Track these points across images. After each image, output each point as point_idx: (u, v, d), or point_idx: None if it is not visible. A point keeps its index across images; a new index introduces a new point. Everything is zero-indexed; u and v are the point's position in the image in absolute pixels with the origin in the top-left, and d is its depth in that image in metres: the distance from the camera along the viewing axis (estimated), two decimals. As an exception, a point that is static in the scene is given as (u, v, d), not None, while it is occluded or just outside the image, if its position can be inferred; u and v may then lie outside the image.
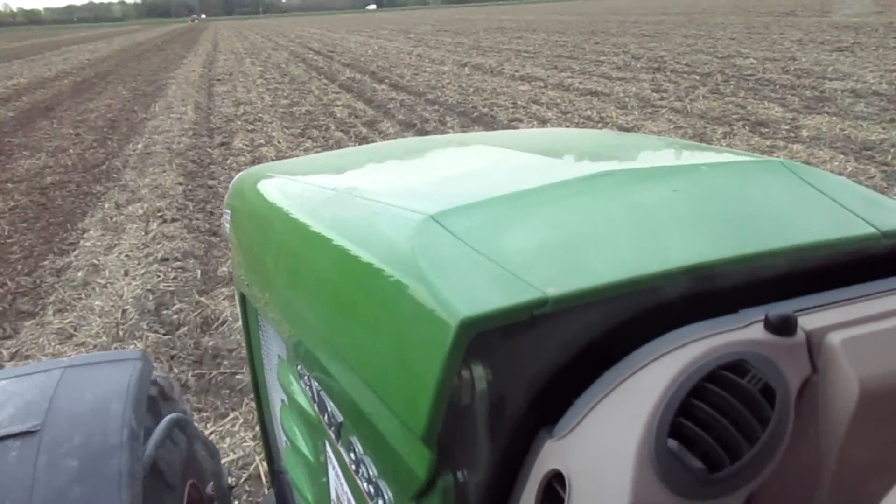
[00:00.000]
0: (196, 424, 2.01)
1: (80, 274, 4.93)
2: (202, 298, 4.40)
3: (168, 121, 11.26)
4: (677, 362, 0.58)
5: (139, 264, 5.04)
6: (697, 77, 12.51)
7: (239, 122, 10.70)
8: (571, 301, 0.62)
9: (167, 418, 1.47)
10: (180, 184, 7.32)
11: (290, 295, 1.08)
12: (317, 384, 0.99)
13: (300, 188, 1.25)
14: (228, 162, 8.20)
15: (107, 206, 6.65)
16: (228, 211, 1.53)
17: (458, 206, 0.84)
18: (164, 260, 5.09)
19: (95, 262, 5.15)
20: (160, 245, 5.39)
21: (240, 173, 1.58)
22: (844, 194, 0.87)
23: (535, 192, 0.89)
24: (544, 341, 0.66)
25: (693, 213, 0.82)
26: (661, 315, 0.67)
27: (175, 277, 4.78)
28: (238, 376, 3.49)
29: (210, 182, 7.40)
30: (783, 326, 0.60)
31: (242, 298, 1.52)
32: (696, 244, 0.73)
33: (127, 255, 5.22)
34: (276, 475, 1.68)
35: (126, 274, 4.87)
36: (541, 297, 0.62)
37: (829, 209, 0.83)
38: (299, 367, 1.08)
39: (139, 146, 9.45)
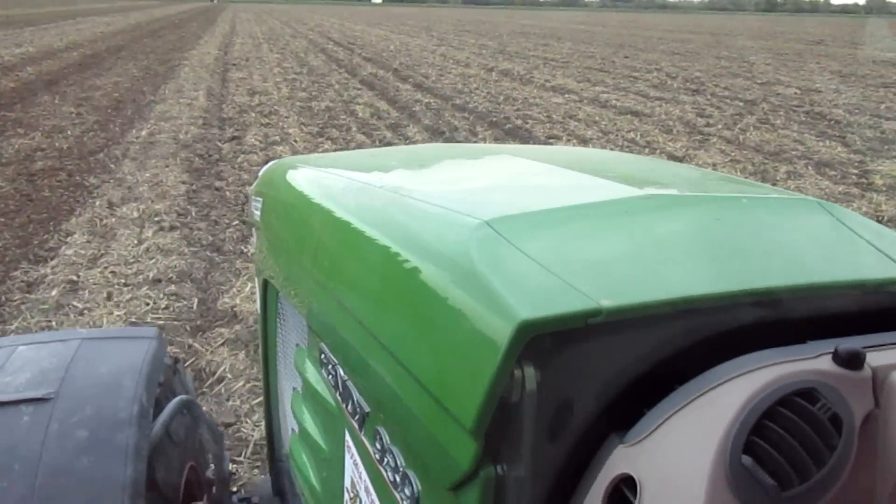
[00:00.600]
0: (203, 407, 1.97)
1: (54, 293, 4.10)
2: (195, 343, 3.57)
3: (177, 106, 10.42)
4: (752, 384, 0.61)
5: (126, 285, 4.22)
6: (741, 103, 11.70)
7: (253, 114, 9.87)
8: (625, 314, 0.66)
9: (176, 399, 1.46)
10: (184, 182, 6.49)
11: (327, 286, 1.07)
12: (342, 373, 1.02)
13: (343, 182, 1.27)
14: (239, 160, 7.37)
15: (98, 203, 5.82)
16: (259, 199, 1.53)
17: (512, 213, 0.88)
18: (157, 282, 4.27)
19: (75, 277, 4.32)
20: (153, 261, 4.57)
21: (271, 162, 1.60)
22: (878, 237, 0.91)
23: (584, 207, 0.94)
24: (603, 351, 0.69)
25: (738, 241, 0.86)
26: (722, 338, 0.72)
27: (167, 307, 3.96)
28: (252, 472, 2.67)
29: (217, 183, 6.57)
30: (852, 360, 0.62)
31: (264, 285, 1.52)
32: (746, 271, 0.77)
33: (112, 272, 4.40)
34: (275, 462, 1.70)
35: (109, 298, 4.05)
36: (596, 308, 0.64)
37: (868, 250, 0.87)
38: (322, 355, 1.11)
39: (143, 133, 8.62)
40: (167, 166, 7.04)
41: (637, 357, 0.71)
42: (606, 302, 0.65)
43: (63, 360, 1.36)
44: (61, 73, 14.20)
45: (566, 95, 12.38)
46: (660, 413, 0.65)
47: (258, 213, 1.53)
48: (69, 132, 8.66)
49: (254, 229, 1.70)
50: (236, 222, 5.50)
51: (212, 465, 1.73)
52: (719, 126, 9.71)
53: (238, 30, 27.61)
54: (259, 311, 1.62)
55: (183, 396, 1.50)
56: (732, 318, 0.73)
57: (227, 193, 6.26)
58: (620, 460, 0.65)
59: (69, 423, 1.23)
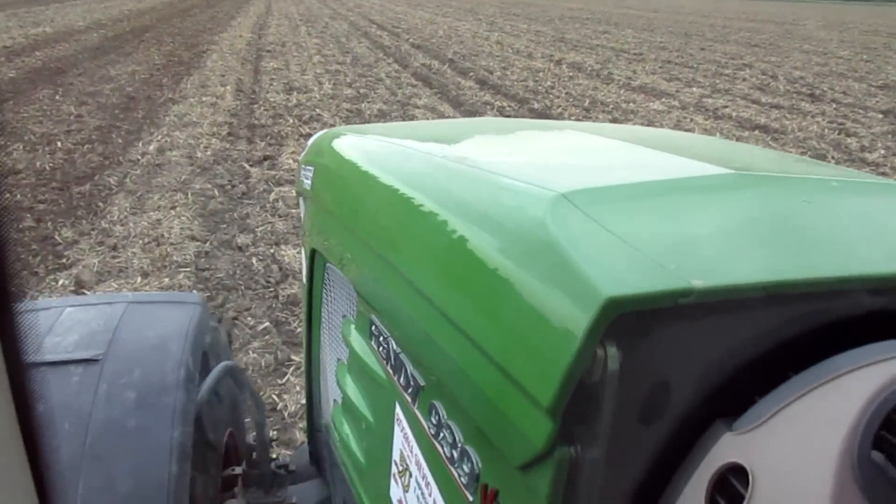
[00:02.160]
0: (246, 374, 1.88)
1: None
2: None
3: (199, 107, 8.40)
4: (882, 375, 0.56)
5: None
6: (879, 115, 9.39)
7: (290, 120, 7.83)
8: (718, 295, 0.62)
9: (221, 364, 1.46)
10: (193, 237, 4.50)
11: (386, 257, 1.02)
12: (395, 345, 0.99)
13: (402, 151, 1.23)
14: (272, 197, 5.34)
15: (62, 284, 3.83)
16: (310, 167, 1.48)
17: (590, 186, 0.84)
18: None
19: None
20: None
21: (321, 132, 1.58)
22: None
23: (667, 183, 0.89)
24: (697, 334, 0.65)
25: (834, 225, 0.80)
26: (839, 326, 0.67)
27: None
28: None
29: (241, 239, 4.54)
30: None
31: (312, 254, 1.47)
32: (846, 256, 0.72)
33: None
34: (314, 432, 1.68)
35: None
36: (687, 287, 0.60)
37: None
38: (373, 327, 1.08)
39: (151, 147, 6.62)
40: (174, 207, 5.03)
41: (739, 343, 0.66)
42: (698, 282, 0.60)
43: (110, 322, 1.37)
44: (73, 59, 12.25)
45: (662, 100, 10.14)
46: (775, 401, 0.61)
47: (308, 181, 1.47)
48: (59, 144, 6.69)
49: (301, 199, 1.63)
50: (268, 328, 3.46)
51: (252, 432, 1.75)
52: (882, 151, 7.46)
53: (273, 9, 25.47)
54: (304, 280, 1.57)
55: (227, 362, 1.49)
56: (843, 306, 0.67)
57: (255, 262, 4.22)
58: (729, 448, 0.61)
59: (118, 385, 1.24)
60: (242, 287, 3.91)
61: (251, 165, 6.18)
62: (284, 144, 6.84)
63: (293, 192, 5.32)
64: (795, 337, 0.67)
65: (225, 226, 4.80)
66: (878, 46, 19.91)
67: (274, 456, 1.83)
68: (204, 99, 8.89)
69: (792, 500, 0.54)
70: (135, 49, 13.84)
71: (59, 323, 1.36)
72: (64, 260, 4.17)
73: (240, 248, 4.42)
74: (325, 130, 1.57)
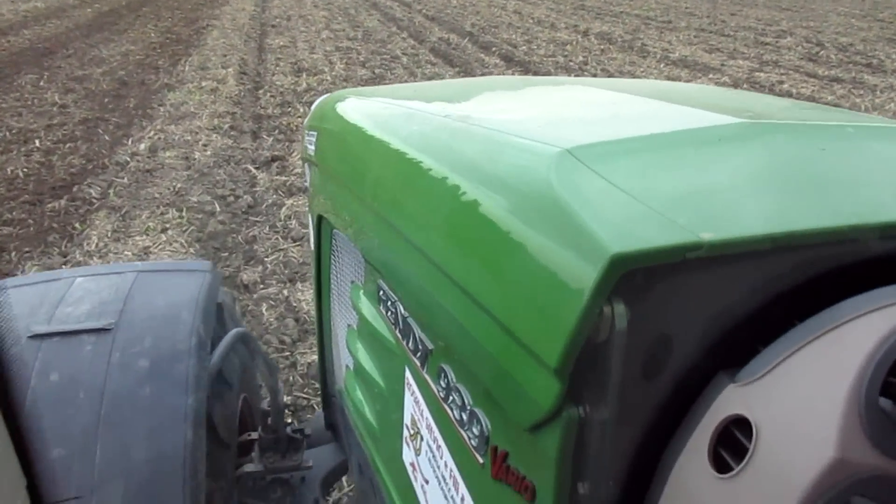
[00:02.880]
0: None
1: None
2: None
3: (197, 94, 7.44)
4: (889, 320, 0.53)
5: None
6: (955, 89, 8.31)
7: (300, 109, 6.86)
8: (727, 248, 0.59)
9: (233, 331, 1.46)
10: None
11: (391, 220, 1.00)
12: (403, 309, 0.98)
13: (405, 112, 1.20)
14: (283, 213, 4.41)
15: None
16: (313, 133, 1.46)
17: (596, 141, 0.81)
18: None
19: None
20: None
21: (323, 96, 1.55)
22: None
23: (674, 134, 0.86)
24: (703, 288, 0.63)
25: (847, 172, 0.77)
26: (841, 273, 0.65)
27: None
28: None
29: (246, 276, 3.63)
30: None
31: (318, 220, 1.45)
32: (860, 203, 0.69)
33: None
34: (329, 398, 1.67)
35: None
36: (695, 241, 0.58)
37: None
38: (381, 292, 1.07)
39: (142, 146, 5.69)
40: (165, 229, 4.11)
41: (743, 293, 0.63)
42: (707, 235, 0.58)
43: (121, 291, 1.37)
44: (63, 38, 11.24)
45: (710, 76, 9.09)
46: (778, 350, 0.58)
47: (312, 147, 1.45)
48: (37, 143, 5.77)
49: (306, 165, 1.60)
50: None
51: (266, 397, 1.78)
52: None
53: (277, -21, 24.22)
54: (312, 247, 1.56)
55: (239, 329, 1.49)
56: (850, 253, 0.65)
57: (264, 311, 3.31)
58: (732, 400, 0.59)
59: (130, 353, 1.24)
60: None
61: (257, 168, 5.24)
62: (294, 140, 5.88)
63: (306, 204, 4.41)
64: (801, 285, 0.64)
65: (226, 255, 3.89)
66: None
67: (289, 421, 1.80)
68: (203, 84, 7.91)
69: (797, 450, 0.52)
70: (130, 26, 12.79)
71: (70, 293, 1.35)
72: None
73: (245, 288, 3.52)
74: (327, 94, 1.51)
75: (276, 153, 5.54)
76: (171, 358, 1.25)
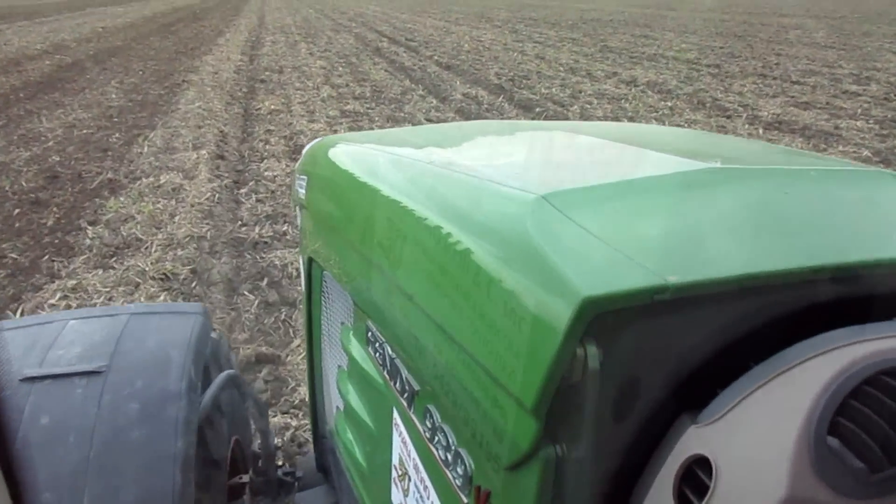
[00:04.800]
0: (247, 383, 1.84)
1: None
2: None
3: (150, 203, 4.96)
4: (837, 362, 0.56)
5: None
6: None
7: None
8: (692, 290, 0.61)
9: (223, 374, 1.46)
10: None
11: (375, 263, 1.02)
12: (390, 351, 0.99)
13: (390, 159, 1.20)
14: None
15: None
16: (304, 177, 1.44)
17: (569, 188, 0.83)
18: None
19: None
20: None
21: (314, 140, 1.53)
22: None
23: (644, 181, 0.88)
24: (670, 329, 0.64)
25: (809, 216, 0.80)
26: (798, 316, 0.66)
27: None
28: None
29: None
30: None
31: (309, 262, 1.45)
32: (819, 246, 0.71)
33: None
34: (320, 439, 1.65)
35: None
36: (661, 284, 0.59)
37: None
38: (370, 333, 1.08)
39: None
40: None
41: (707, 335, 0.65)
42: (673, 278, 0.59)
43: (113, 334, 1.35)
44: (2, 101, 8.78)
45: (838, 147, 6.74)
46: (735, 392, 0.60)
47: (303, 191, 1.43)
48: None
49: (297, 208, 1.56)
50: None
51: (257, 440, 1.76)
52: None
53: (267, 21, 21.95)
54: (303, 289, 1.54)
55: (229, 371, 1.49)
56: (808, 295, 0.66)
57: None
58: (693, 441, 0.60)
59: (121, 396, 1.22)
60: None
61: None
62: (296, 305, 3.44)
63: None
64: (759, 328, 0.65)
65: None
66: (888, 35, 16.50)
67: (280, 463, 1.76)
68: (163, 180, 5.44)
69: (753, 488, 0.53)
70: (90, 83, 10.37)
71: (62, 336, 1.34)
72: None
73: None
74: (318, 139, 1.51)
75: (262, 351, 3.06)
76: (162, 400, 1.23)
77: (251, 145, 6.64)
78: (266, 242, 4.30)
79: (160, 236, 4.30)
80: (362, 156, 1.25)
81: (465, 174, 0.97)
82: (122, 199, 5.05)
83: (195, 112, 8.06)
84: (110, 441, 1.15)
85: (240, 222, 4.64)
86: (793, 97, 9.23)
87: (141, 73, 11.34)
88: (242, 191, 5.28)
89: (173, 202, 4.94)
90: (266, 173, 5.67)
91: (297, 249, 3.67)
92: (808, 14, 27.64)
